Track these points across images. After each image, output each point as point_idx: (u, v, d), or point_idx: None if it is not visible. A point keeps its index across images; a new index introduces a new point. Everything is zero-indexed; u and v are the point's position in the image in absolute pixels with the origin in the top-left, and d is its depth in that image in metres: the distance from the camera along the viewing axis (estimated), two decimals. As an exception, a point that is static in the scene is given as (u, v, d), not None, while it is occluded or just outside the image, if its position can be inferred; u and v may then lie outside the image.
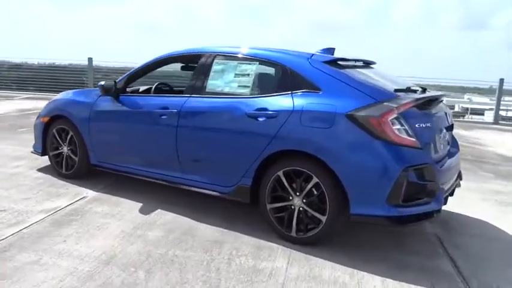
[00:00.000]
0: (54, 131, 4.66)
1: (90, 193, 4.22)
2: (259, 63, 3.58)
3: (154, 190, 4.23)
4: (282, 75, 3.41)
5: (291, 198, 3.25)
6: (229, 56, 3.75)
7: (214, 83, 3.71)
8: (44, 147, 4.81)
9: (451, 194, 3.59)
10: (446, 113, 3.57)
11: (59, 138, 4.65)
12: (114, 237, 3.22)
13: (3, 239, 3.12)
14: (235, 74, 3.64)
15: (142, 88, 4.71)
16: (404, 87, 3.33)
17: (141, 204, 3.96)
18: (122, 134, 4.19)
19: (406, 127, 2.97)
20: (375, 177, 2.95)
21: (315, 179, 3.11)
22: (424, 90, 3.55)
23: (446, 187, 3.31)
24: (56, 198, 4.01)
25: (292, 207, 3.24)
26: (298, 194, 3.21)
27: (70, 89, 5.37)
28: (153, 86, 4.63)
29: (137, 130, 4.04)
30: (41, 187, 4.32)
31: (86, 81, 13.63)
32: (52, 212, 3.66)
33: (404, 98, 3.07)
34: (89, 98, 4.40)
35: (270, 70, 3.60)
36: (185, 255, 2.99)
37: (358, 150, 2.99)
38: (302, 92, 3.27)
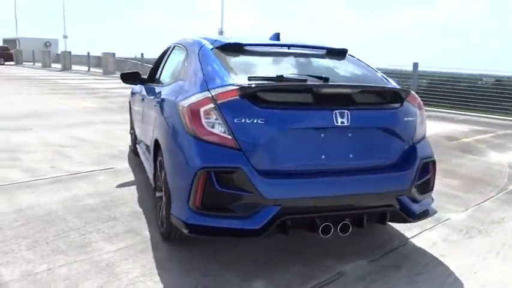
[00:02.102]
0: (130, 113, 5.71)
1: (122, 166, 5.03)
2: (184, 52, 3.53)
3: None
4: (184, 62, 3.29)
5: (163, 189, 3.15)
6: (178, 46, 3.81)
7: (164, 72, 3.88)
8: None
9: (358, 224, 2.63)
10: (351, 112, 2.57)
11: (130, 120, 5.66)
12: (61, 197, 3.90)
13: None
14: (173, 63, 3.71)
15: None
16: (282, 76, 2.67)
17: (136, 179, 4.50)
18: (135, 118, 4.82)
19: (221, 121, 2.45)
20: (179, 175, 2.60)
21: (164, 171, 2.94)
22: (326, 79, 2.71)
23: (305, 207, 2.53)
24: (95, 166, 4.98)
25: (163, 198, 3.14)
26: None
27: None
28: None
29: (139, 115, 4.58)
30: (106, 158, 5.40)
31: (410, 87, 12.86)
32: (69, 174, 4.64)
33: (235, 86, 2.51)
34: (136, 87, 5.18)
35: (184, 58, 3.48)
36: (69, 222, 3.37)
37: (174, 142, 2.69)
38: (181, 80, 3.11)
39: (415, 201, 2.80)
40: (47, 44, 44.05)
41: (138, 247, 3.00)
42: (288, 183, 2.47)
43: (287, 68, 3.00)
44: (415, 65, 12.68)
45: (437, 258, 3.02)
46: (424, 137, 2.97)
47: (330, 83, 2.72)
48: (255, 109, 2.45)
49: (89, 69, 27.18)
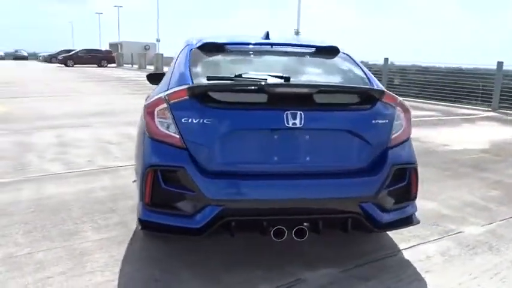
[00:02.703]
0: None
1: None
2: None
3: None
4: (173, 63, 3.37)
5: None
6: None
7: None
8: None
9: (315, 230, 2.50)
10: (305, 113, 2.45)
11: None
12: (79, 189, 4.21)
13: (43, 174, 4.72)
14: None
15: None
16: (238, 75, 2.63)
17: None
18: None
19: (171, 121, 2.49)
20: (138, 173, 2.68)
21: None
22: (286, 79, 2.61)
23: (249, 208, 2.48)
24: (127, 162, 5.23)
25: None
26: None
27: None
28: None
29: None
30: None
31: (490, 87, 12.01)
32: (100, 168, 4.98)
33: (184, 86, 2.53)
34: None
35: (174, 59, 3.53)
36: (72, 211, 3.63)
37: (138, 141, 2.80)
38: (163, 81, 3.20)
39: (384, 209, 2.58)
40: (146, 47, 47.32)
41: (119, 238, 3.14)
42: (233, 184, 2.43)
43: (259, 68, 2.93)
44: (500, 64, 11.56)
45: (419, 274, 2.76)
46: (404, 141, 2.72)
47: (282, 83, 2.60)
48: (203, 109, 2.44)
49: (177, 71, 28.68)
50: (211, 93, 2.46)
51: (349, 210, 2.50)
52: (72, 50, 39.79)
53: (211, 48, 3.02)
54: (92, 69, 31.72)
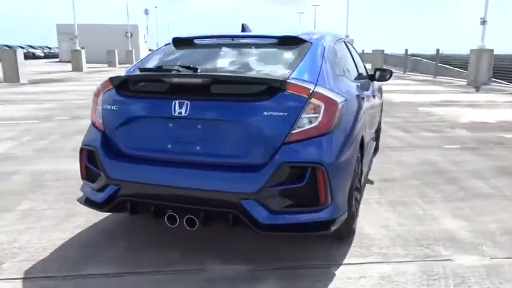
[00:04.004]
0: None
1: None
2: None
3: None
4: None
5: None
6: None
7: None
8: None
9: (203, 222, 2.55)
10: (191, 103, 2.53)
11: None
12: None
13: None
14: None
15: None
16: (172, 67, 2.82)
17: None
18: None
19: (100, 107, 2.88)
20: None
21: None
22: (194, 70, 2.69)
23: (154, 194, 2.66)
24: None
25: None
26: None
27: None
28: None
29: None
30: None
31: None
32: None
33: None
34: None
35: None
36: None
37: None
38: None
39: (272, 210, 2.42)
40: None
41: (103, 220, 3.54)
42: (130, 167, 2.66)
43: (203, 60, 3.01)
44: None
45: (325, 291, 2.48)
46: (316, 136, 2.46)
47: (172, 73, 2.67)
48: (116, 97, 2.77)
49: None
50: (125, 84, 2.76)
51: (228, 206, 2.45)
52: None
53: (178, 43, 3.26)
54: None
